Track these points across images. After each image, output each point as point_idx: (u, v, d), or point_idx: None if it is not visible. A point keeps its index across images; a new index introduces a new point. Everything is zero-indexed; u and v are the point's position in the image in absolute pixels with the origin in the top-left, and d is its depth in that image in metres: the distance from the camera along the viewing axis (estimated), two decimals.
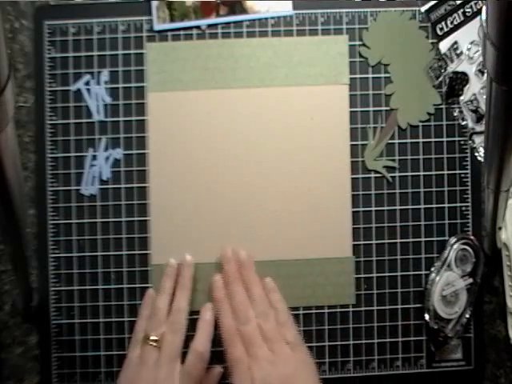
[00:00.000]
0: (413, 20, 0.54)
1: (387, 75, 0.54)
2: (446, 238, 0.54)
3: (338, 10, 0.54)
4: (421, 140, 0.54)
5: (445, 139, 0.54)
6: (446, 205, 0.54)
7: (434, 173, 0.54)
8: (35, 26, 0.53)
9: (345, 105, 0.54)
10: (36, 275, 0.53)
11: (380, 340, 0.54)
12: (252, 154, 0.53)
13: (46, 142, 0.53)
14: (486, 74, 0.51)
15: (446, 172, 0.54)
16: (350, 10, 0.54)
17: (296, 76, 0.53)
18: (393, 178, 0.54)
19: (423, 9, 0.54)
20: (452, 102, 0.54)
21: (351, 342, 0.53)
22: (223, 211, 0.53)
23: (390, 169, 0.54)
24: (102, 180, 0.53)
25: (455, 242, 0.53)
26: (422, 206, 0.54)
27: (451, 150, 0.54)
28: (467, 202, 0.54)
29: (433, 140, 0.54)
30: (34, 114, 0.53)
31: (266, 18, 0.54)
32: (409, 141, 0.54)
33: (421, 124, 0.54)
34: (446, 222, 0.54)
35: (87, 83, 0.53)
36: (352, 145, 0.54)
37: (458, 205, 0.54)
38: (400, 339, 0.54)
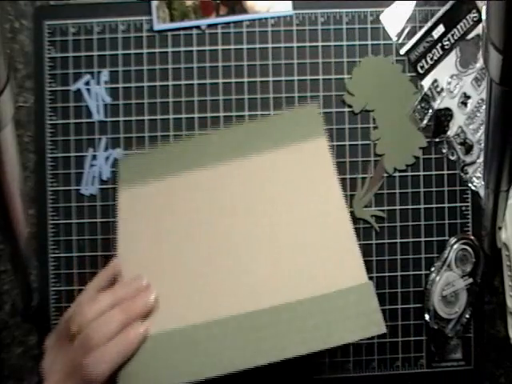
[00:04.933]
0: (395, 64, 0.54)
1: (374, 125, 0.54)
2: (446, 238, 0.54)
3: (337, 10, 0.54)
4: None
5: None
6: (446, 205, 0.54)
7: (434, 173, 0.54)
8: (35, 26, 0.53)
9: (327, 157, 0.48)
10: (36, 275, 0.53)
11: (380, 340, 0.53)
12: (244, 219, 0.47)
13: (46, 142, 0.53)
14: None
15: (445, 172, 0.54)
16: (350, 10, 0.54)
17: (271, 140, 0.49)
18: (393, 178, 0.54)
19: (402, 51, 0.54)
20: (440, 140, 0.54)
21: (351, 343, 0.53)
22: (213, 275, 0.45)
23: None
24: (101, 180, 0.53)
25: (455, 242, 0.53)
26: (422, 206, 0.54)
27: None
28: (467, 202, 0.55)
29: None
30: (33, 114, 0.53)
31: (266, 18, 0.54)
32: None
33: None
34: (446, 222, 0.54)
35: (87, 83, 0.53)
36: None
37: (458, 205, 0.54)
38: (400, 339, 0.54)
